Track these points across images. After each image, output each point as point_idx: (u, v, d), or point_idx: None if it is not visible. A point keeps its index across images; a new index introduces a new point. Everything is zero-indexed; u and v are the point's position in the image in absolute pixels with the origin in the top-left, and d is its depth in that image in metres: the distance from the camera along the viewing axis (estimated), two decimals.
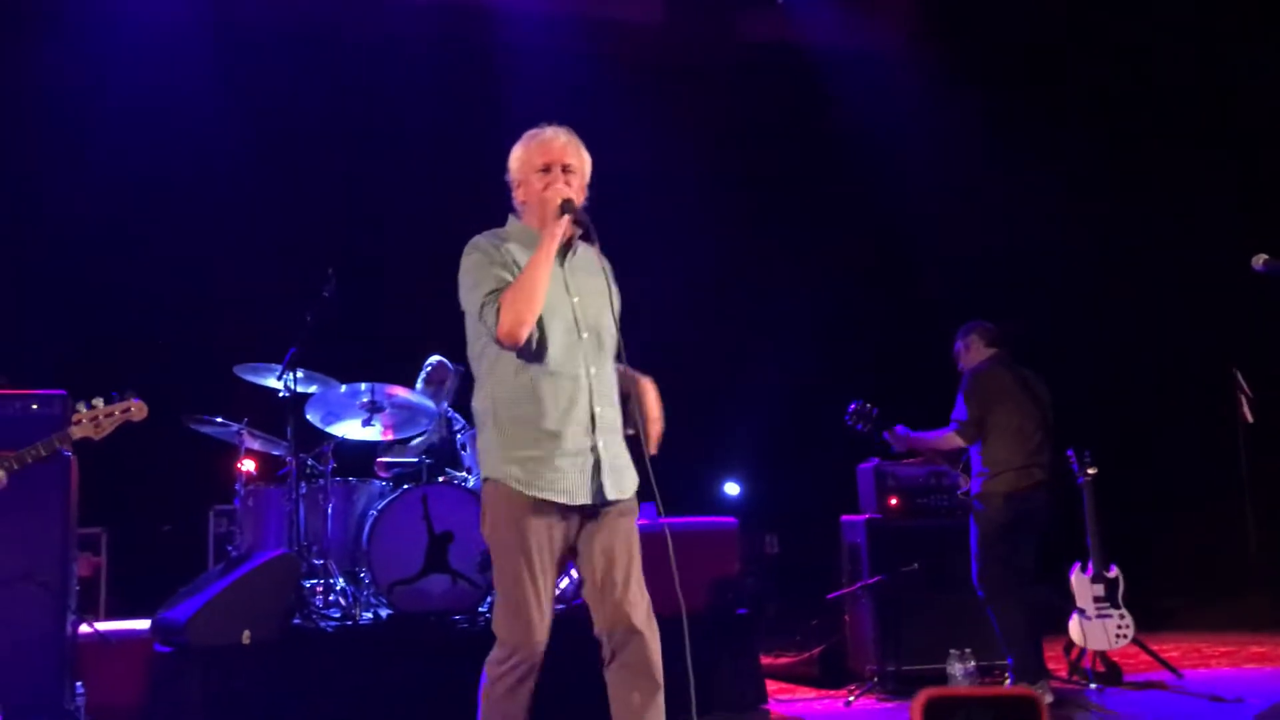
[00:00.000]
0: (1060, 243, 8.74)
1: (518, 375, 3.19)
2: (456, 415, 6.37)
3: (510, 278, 3.18)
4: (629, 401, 3.38)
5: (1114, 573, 5.67)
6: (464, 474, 6.02)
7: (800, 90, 8.85)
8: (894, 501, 5.86)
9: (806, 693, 5.77)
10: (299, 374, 5.60)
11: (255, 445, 6.02)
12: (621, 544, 3.28)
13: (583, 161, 3.38)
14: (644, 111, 8.05)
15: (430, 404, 6.03)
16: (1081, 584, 5.66)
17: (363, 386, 5.75)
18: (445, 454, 6.22)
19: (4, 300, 7.15)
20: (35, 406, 5.18)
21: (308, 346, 5.54)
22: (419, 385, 6.38)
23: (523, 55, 8.14)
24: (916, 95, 8.61)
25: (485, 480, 3.24)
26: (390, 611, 5.37)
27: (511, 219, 3.39)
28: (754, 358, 8.61)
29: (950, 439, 5.42)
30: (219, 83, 7.74)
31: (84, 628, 5.47)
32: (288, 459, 5.65)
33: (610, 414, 3.29)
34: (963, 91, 8.44)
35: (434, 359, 6.52)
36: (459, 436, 6.21)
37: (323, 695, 4.73)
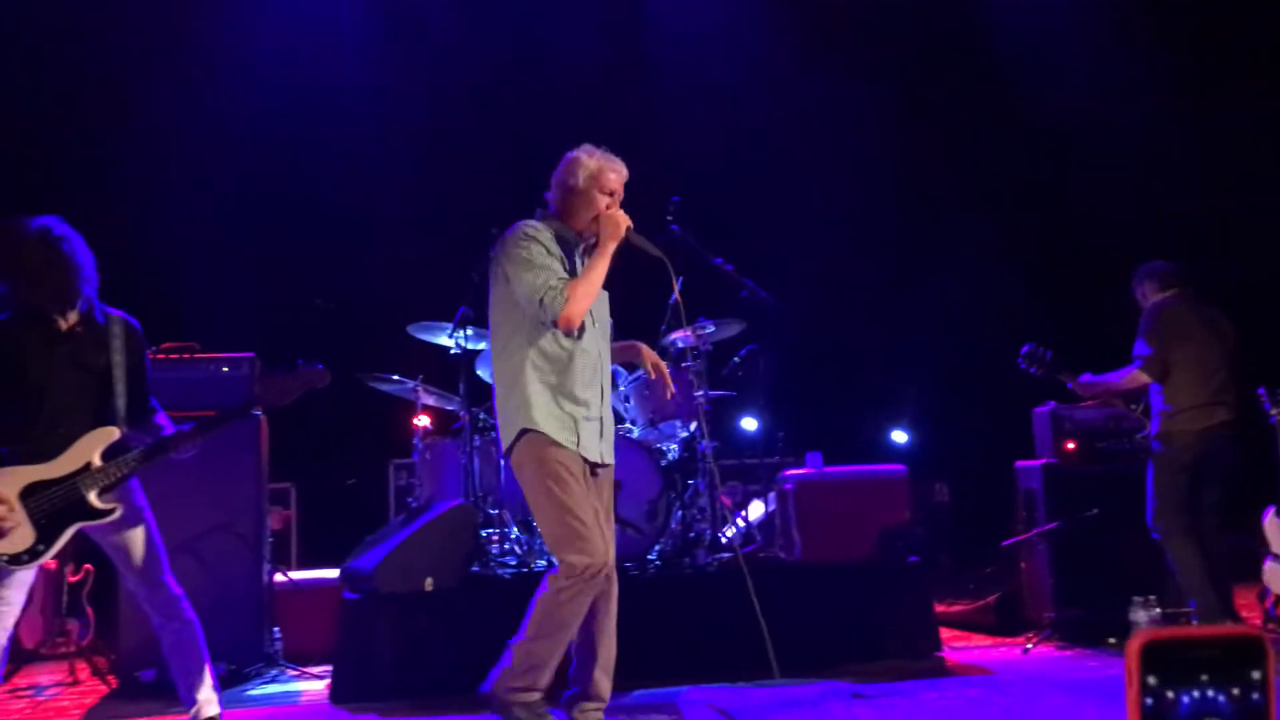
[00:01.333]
0: (1242, 180, 8.23)
1: (557, 350, 3.83)
2: (619, 368, 6.44)
3: (562, 271, 3.81)
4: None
5: None
6: (628, 425, 6.09)
7: (968, 24, 8.53)
8: (1071, 446, 5.68)
9: (982, 640, 5.67)
10: (469, 331, 5.76)
11: (430, 401, 6.22)
12: (609, 499, 4.01)
13: (622, 187, 4.01)
14: (806, 46, 7.92)
15: None
16: (1275, 529, 5.38)
17: None
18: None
19: (193, 268, 7.55)
20: (225, 369, 5.49)
21: (476, 305, 5.69)
22: None
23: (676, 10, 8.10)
24: (1093, 30, 8.18)
25: (525, 432, 3.79)
26: None
27: (549, 215, 3.97)
28: (922, 301, 8.42)
29: (1135, 377, 5.20)
30: (391, 45, 7.96)
31: (279, 577, 5.81)
32: (461, 413, 5.84)
33: (607, 391, 3.98)
34: (1149, 29, 7.98)
35: None
36: (621, 389, 6.28)
37: (503, 640, 4.87)
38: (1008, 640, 5.57)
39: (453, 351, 5.86)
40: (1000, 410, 6.89)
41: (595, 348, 3.93)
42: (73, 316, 3.86)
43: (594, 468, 3.90)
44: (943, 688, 4.57)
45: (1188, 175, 8.26)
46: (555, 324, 3.73)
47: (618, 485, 5.50)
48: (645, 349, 4.33)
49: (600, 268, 3.83)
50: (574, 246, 3.95)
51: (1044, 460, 5.74)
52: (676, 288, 4.28)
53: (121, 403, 3.85)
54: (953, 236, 8.46)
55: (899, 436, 8.58)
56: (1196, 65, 8.06)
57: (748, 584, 4.10)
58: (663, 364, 4.31)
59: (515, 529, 5.75)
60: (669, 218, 5.53)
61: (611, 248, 3.85)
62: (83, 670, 5.42)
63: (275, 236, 7.89)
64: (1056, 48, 8.26)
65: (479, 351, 5.92)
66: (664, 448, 5.74)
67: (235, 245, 7.75)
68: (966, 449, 8.04)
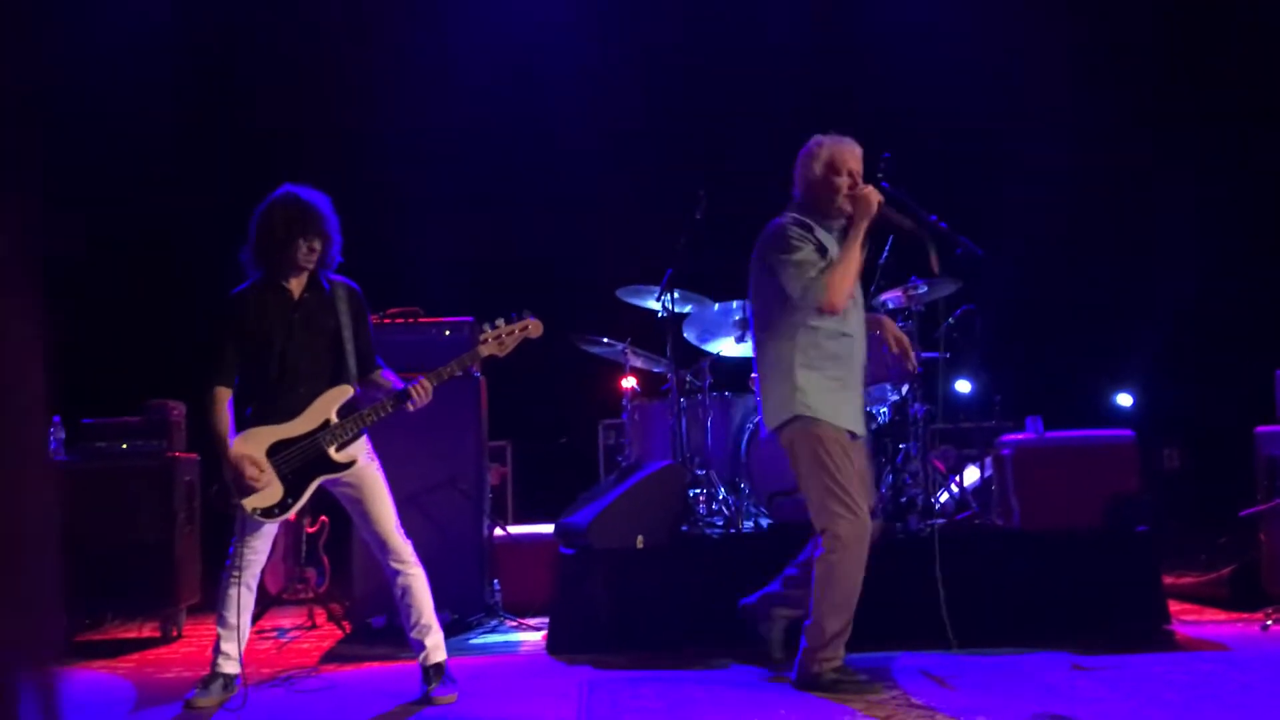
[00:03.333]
0: None
1: (824, 334, 4.05)
2: None
3: (821, 260, 4.02)
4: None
5: None
6: None
7: None
8: None
9: (1215, 615, 5.37)
10: (676, 295, 5.81)
11: (638, 363, 6.32)
12: (864, 460, 4.22)
13: (860, 167, 4.17)
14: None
15: None
16: None
17: (735, 305, 5.89)
18: None
19: (416, 236, 7.89)
20: (448, 332, 5.73)
21: (683, 267, 5.73)
22: None
23: None
24: None
25: (798, 416, 4.03)
26: (770, 521, 5.51)
27: (798, 209, 4.16)
28: (1149, 254, 7.97)
29: None
30: (601, 16, 8.05)
31: (498, 531, 6.04)
32: (669, 375, 5.90)
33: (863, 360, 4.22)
34: None
35: None
36: None
37: (710, 597, 4.94)
38: (1244, 616, 5.25)
39: (660, 315, 5.92)
40: (1237, 370, 6.46)
41: (858, 326, 4.16)
42: (304, 282, 4.11)
43: (852, 438, 4.11)
44: (1171, 663, 4.35)
45: None
46: (821, 311, 3.98)
47: None
48: (887, 322, 4.44)
49: (854, 249, 4.01)
50: (830, 231, 4.14)
51: None
52: (934, 259, 4.35)
53: (352, 362, 4.08)
54: (1184, 184, 7.96)
55: (1124, 400, 8.18)
56: None
57: (935, 553, 4.45)
58: (904, 338, 4.40)
59: (723, 489, 5.80)
60: (880, 174, 5.41)
61: (864, 226, 4.03)
62: (320, 615, 5.79)
63: (490, 205, 8.15)
64: None
65: (685, 315, 5.97)
66: (874, 411, 5.65)
67: (453, 214, 8.04)
68: (1200, 412, 7.58)
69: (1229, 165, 7.94)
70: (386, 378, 4.19)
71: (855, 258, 4.02)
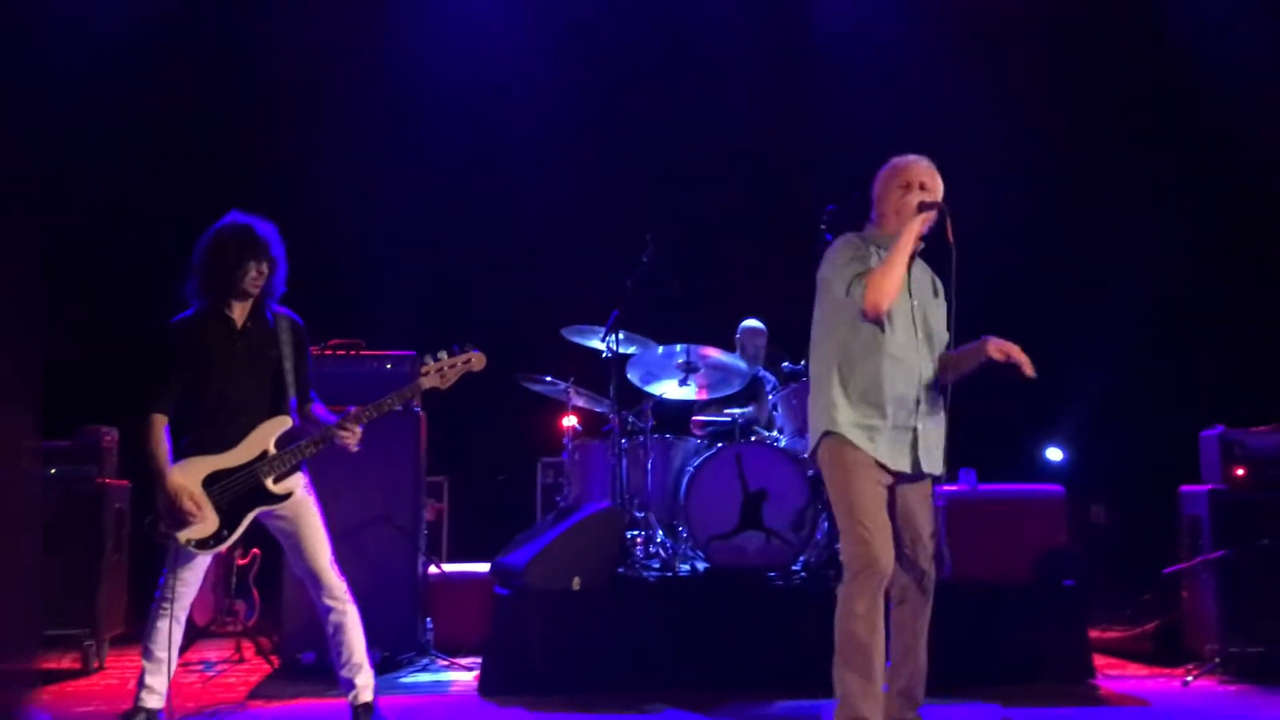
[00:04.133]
0: None
1: (866, 356, 3.83)
2: (768, 376, 6.46)
3: (870, 266, 3.80)
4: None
5: None
6: (775, 434, 6.09)
7: (1145, 29, 8.24)
8: (1241, 472, 5.42)
9: (1138, 669, 5.47)
10: (620, 335, 5.84)
11: (580, 402, 6.33)
12: (925, 512, 3.96)
13: (937, 184, 3.94)
14: (974, 49, 7.78)
15: (742, 364, 6.13)
16: None
17: (679, 348, 5.93)
18: (756, 416, 6.32)
19: (359, 270, 7.85)
20: (389, 366, 5.70)
21: (629, 309, 5.77)
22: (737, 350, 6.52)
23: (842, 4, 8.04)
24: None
25: (827, 434, 3.84)
26: (707, 565, 5.53)
27: (870, 228, 4.01)
28: (1080, 314, 8.16)
29: None
30: (546, 57, 8.11)
31: (432, 568, 5.98)
32: (611, 416, 5.92)
33: (930, 402, 3.91)
34: None
35: (746, 323, 6.64)
36: (770, 398, 6.28)
37: (645, 642, 4.95)
38: (1166, 671, 5.36)
39: (604, 355, 5.95)
40: (1163, 431, 6.62)
41: (912, 355, 3.87)
42: (248, 310, 4.08)
43: (904, 477, 3.86)
44: (1095, 717, 4.43)
45: None
46: (865, 315, 3.75)
47: (763, 495, 5.56)
48: (992, 341, 3.95)
49: (898, 251, 3.76)
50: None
51: (1211, 486, 5.50)
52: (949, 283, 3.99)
53: (293, 393, 4.05)
54: (1118, 249, 8.18)
55: (1054, 454, 8.34)
56: None
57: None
58: (1014, 347, 3.94)
59: (661, 532, 5.81)
60: (823, 226, 5.50)
61: (908, 229, 3.80)
62: (248, 649, 5.69)
63: (438, 240, 8.13)
64: (1238, 44, 7.88)
65: (629, 356, 6.01)
66: None
67: (398, 247, 8.01)
68: (1126, 470, 7.75)
69: (1161, 229, 8.17)
70: (316, 412, 4.17)
71: (899, 259, 3.76)
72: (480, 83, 8.10)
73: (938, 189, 3.93)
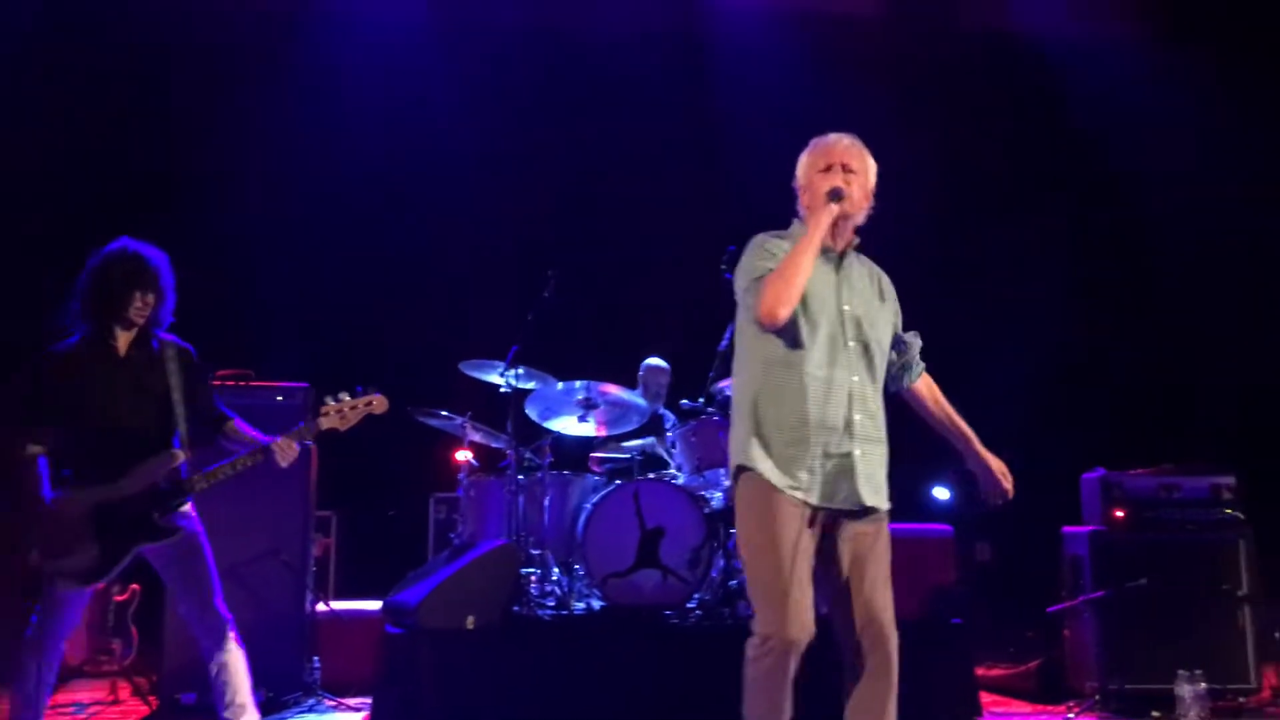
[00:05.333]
0: None
1: (787, 375, 3.26)
2: (668, 413, 6.49)
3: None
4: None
5: None
6: (674, 471, 6.11)
7: (1025, 77, 8.55)
8: (1120, 514, 5.61)
9: (1022, 706, 5.60)
10: (520, 371, 5.80)
11: (477, 438, 6.25)
12: (878, 558, 3.35)
13: (865, 165, 3.46)
14: (864, 105, 7.95)
15: (642, 402, 6.14)
16: None
17: (578, 384, 5.91)
18: (654, 453, 6.34)
19: (251, 299, 7.68)
20: (280, 398, 5.57)
21: (529, 345, 5.74)
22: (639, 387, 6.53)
23: (741, 49, 8.13)
24: (1156, 82, 8.16)
25: (740, 469, 3.29)
26: (603, 603, 5.50)
27: (796, 224, 3.48)
28: (970, 358, 8.38)
29: None
30: (451, 86, 8.07)
31: (320, 606, 5.84)
32: (508, 452, 5.87)
33: (870, 427, 3.32)
34: (1213, 77, 7.94)
35: (649, 361, 6.66)
36: (669, 435, 6.30)
37: (540, 681, 4.89)
38: (1049, 708, 5.50)
39: (502, 390, 5.90)
40: (1047, 473, 6.82)
41: (842, 370, 3.27)
42: (129, 340, 3.96)
43: (845, 516, 3.27)
44: None
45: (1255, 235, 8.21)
46: (761, 324, 3.21)
47: (660, 533, 5.57)
48: (999, 469, 3.72)
49: (799, 248, 3.22)
50: (825, 249, 3.37)
51: (1092, 527, 5.69)
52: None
53: (184, 426, 3.93)
54: (1005, 296, 8.44)
55: (940, 493, 8.52)
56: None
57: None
58: (1003, 477, 3.68)
59: (557, 570, 5.76)
60: (723, 266, 5.56)
61: (815, 221, 3.26)
62: (124, 690, 5.47)
63: (333, 270, 8.00)
64: (1124, 100, 8.23)
65: (529, 391, 5.97)
66: (708, 495, 5.74)
67: (296, 279, 7.86)
68: (1011, 509, 7.93)
69: (1048, 275, 8.46)
70: (240, 428, 4.07)
71: (799, 259, 3.20)
72: (384, 115, 8.02)
73: (866, 171, 3.45)
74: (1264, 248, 8.24)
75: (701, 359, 5.84)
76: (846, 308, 3.34)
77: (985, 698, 5.40)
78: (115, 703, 5.42)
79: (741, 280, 3.35)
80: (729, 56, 8.18)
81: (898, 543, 5.49)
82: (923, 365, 3.63)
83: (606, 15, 8.25)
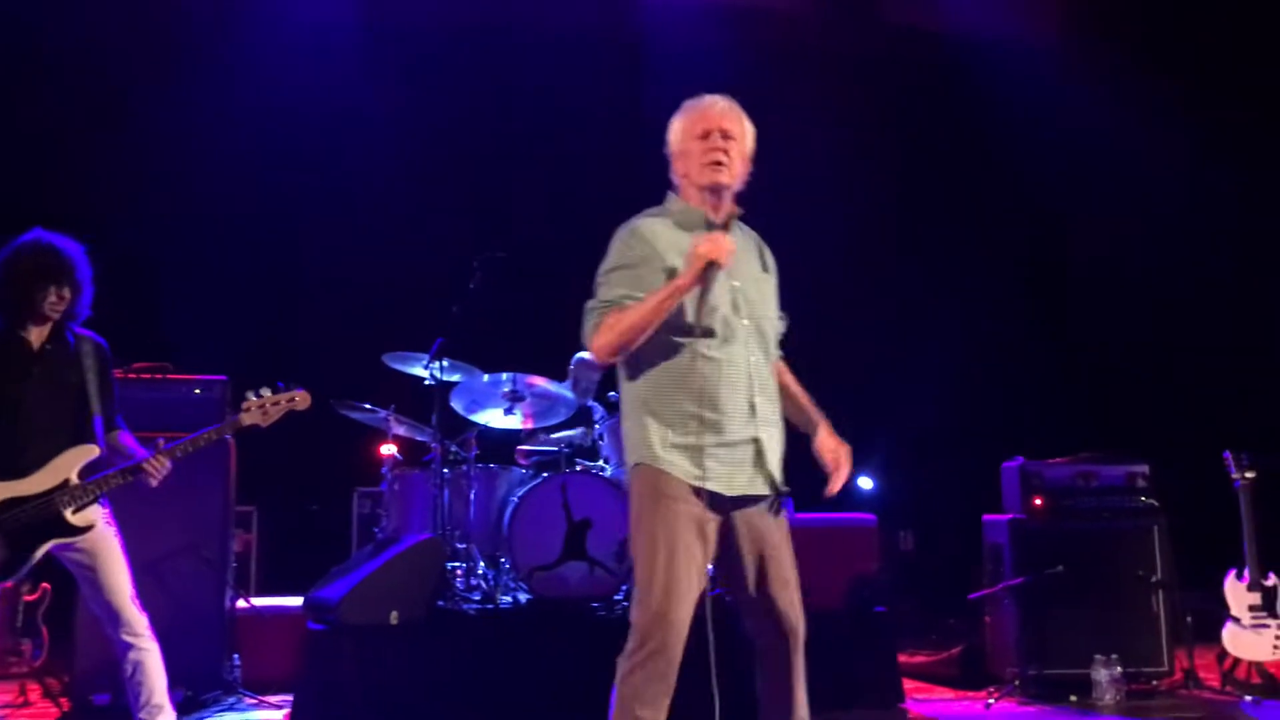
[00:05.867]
0: (1231, 238, 8.41)
1: (675, 361, 3.09)
2: (596, 405, 6.46)
3: (640, 295, 3.06)
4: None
5: (1271, 581, 5.44)
6: (601, 463, 6.10)
7: (949, 79, 8.66)
8: (1039, 502, 5.72)
9: (944, 693, 5.69)
10: (445, 363, 5.74)
11: (401, 431, 6.19)
12: (783, 537, 3.22)
13: (744, 129, 3.26)
14: (787, 99, 7.99)
15: (569, 394, 6.12)
16: (1237, 592, 5.45)
17: (504, 377, 5.87)
18: (584, 444, 6.31)
19: (169, 291, 7.50)
20: (198, 390, 5.45)
21: (454, 337, 5.68)
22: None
23: (667, 43, 8.12)
24: (1073, 85, 8.33)
25: (636, 466, 3.11)
26: (530, 596, 5.47)
27: (671, 197, 3.30)
28: (892, 350, 8.50)
29: None
30: (372, 78, 7.96)
31: (240, 602, 5.73)
32: (433, 445, 5.80)
33: (770, 408, 3.18)
34: (1126, 84, 8.14)
35: (580, 355, 6.63)
36: (598, 427, 6.28)
37: (466, 675, 4.85)
38: (970, 694, 5.59)
39: (427, 383, 5.83)
40: (968, 462, 6.94)
41: (738, 350, 3.12)
42: (46, 333, 3.85)
43: (745, 502, 3.13)
44: None
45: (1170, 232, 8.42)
46: (591, 353, 3.12)
47: (587, 525, 5.55)
48: (830, 442, 3.29)
49: (652, 308, 3.02)
50: (698, 226, 3.18)
51: (1011, 515, 5.79)
52: None
53: (99, 420, 3.83)
54: (925, 286, 8.56)
55: (865, 483, 8.62)
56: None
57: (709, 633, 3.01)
58: (845, 466, 3.27)
59: (482, 564, 5.72)
60: None
61: (675, 286, 3.02)
62: (34, 691, 5.31)
63: (253, 260, 7.85)
64: (1046, 87, 8.39)
65: (454, 384, 5.91)
66: None
67: (212, 268, 7.70)
68: (933, 498, 8.09)
69: (969, 270, 8.61)
70: (124, 441, 3.96)
71: (652, 314, 3.02)
72: (303, 105, 7.88)
73: (744, 136, 3.24)
74: (1175, 242, 8.46)
75: None
76: (736, 283, 3.16)
77: (908, 684, 5.47)
78: (25, 705, 5.26)
79: (600, 280, 3.17)
80: (656, 50, 8.19)
81: (821, 532, 5.61)
82: (780, 352, 3.37)
83: (534, 8, 8.21)
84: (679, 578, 3.01)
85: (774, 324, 3.29)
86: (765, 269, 3.33)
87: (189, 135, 7.63)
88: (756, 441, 3.13)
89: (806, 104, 8.09)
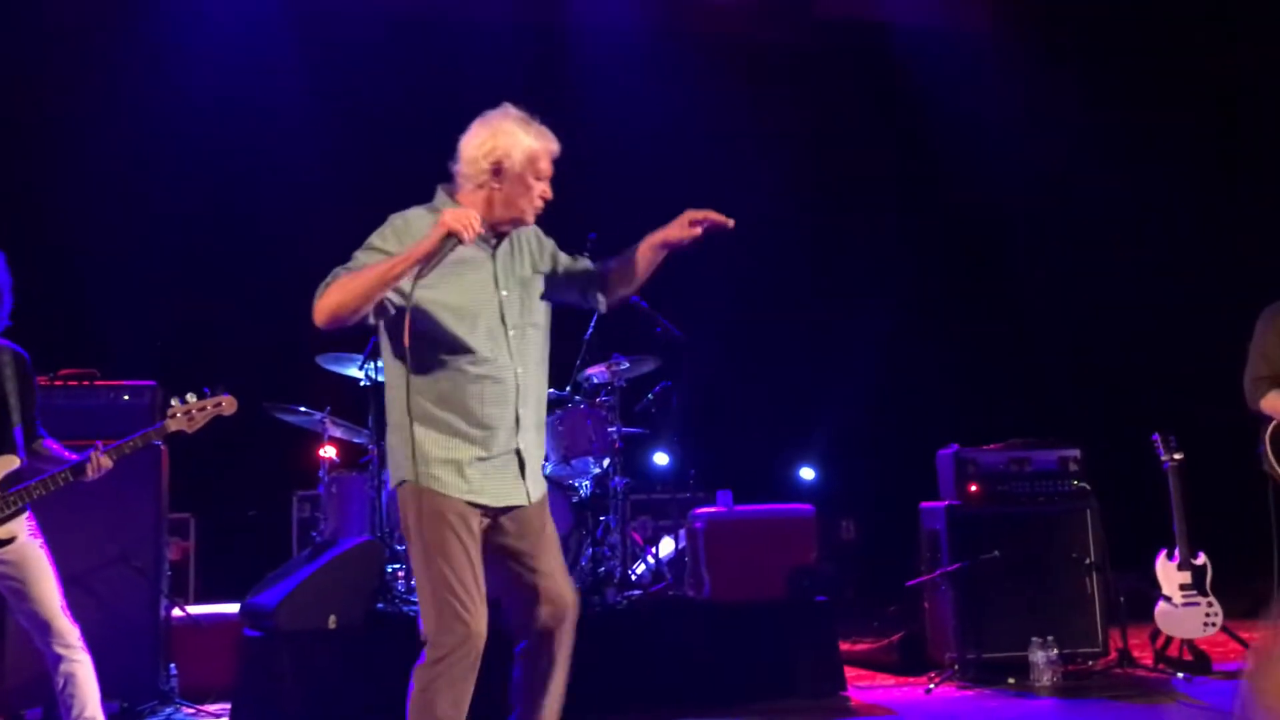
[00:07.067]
0: (1157, 228, 8.58)
1: (441, 375, 3.10)
2: None
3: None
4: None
5: (1201, 560, 5.56)
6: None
7: (879, 70, 8.74)
8: (974, 488, 5.79)
9: (886, 679, 5.74)
10: (379, 363, 5.68)
11: (337, 433, 6.13)
12: (546, 528, 3.29)
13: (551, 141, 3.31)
14: (720, 90, 8.01)
15: None
16: (1167, 571, 5.56)
17: None
18: None
19: (95, 294, 7.35)
20: (126, 397, 5.35)
21: None
22: None
23: (600, 33, 8.11)
24: (1004, 77, 8.44)
25: (402, 483, 3.14)
26: None
27: (443, 196, 3.29)
28: (830, 341, 8.56)
29: None
30: (301, 74, 7.85)
31: (176, 611, 5.64)
32: (370, 447, 5.75)
33: (532, 415, 3.23)
34: (1055, 74, 8.25)
35: None
36: None
37: (406, 678, 4.80)
38: (911, 680, 5.64)
39: (362, 384, 5.78)
40: (906, 450, 7.00)
41: (504, 363, 3.15)
42: None
43: (510, 510, 3.20)
44: None
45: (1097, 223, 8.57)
46: (314, 318, 3.09)
47: None
48: (685, 216, 3.27)
49: (393, 264, 2.99)
50: (480, 238, 3.15)
51: (948, 502, 5.85)
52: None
53: (18, 431, 3.75)
54: (860, 280, 8.63)
55: (806, 474, 8.69)
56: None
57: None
58: (708, 211, 3.27)
59: None
60: (586, 254, 5.53)
61: (421, 247, 3.01)
62: None
63: (180, 263, 7.71)
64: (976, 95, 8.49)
65: None
66: (576, 484, 5.73)
67: (138, 271, 7.56)
68: (872, 487, 8.16)
69: (901, 258, 8.69)
70: (48, 447, 3.88)
71: (379, 274, 3.00)
72: (230, 103, 7.75)
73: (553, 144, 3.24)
74: (1104, 229, 8.62)
75: (568, 349, 5.81)
76: (505, 293, 3.20)
77: (850, 672, 5.52)
78: None
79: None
80: (585, 43, 8.16)
81: (761, 524, 5.65)
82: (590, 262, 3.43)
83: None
84: (466, 585, 3.06)
85: (540, 327, 3.30)
86: (535, 268, 3.32)
87: (112, 135, 7.48)
88: (518, 452, 3.18)
89: (734, 92, 8.11)
